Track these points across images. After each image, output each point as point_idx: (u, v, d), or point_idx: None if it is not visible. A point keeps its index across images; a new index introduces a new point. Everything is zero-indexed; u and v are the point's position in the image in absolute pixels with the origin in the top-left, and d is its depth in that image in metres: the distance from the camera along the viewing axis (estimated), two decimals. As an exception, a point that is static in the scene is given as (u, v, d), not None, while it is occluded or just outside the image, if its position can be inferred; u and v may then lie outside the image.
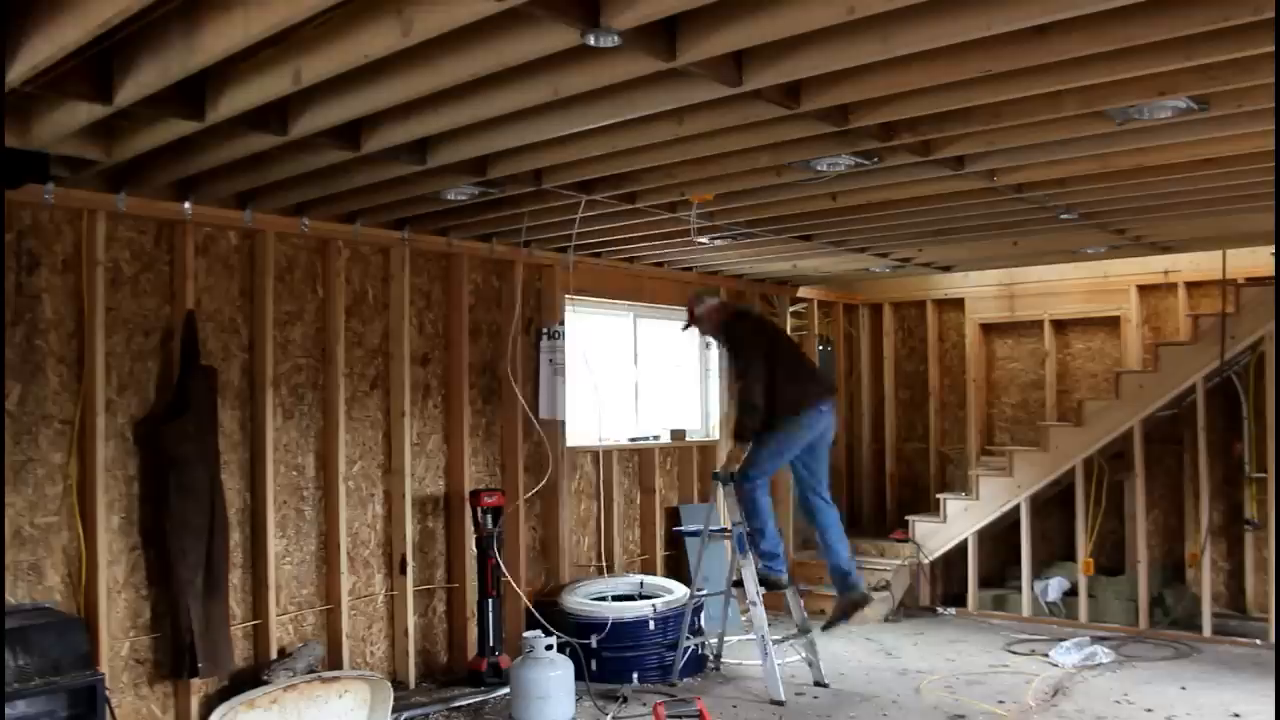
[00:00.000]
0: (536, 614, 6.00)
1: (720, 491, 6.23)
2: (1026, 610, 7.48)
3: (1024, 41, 2.93)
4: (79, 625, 4.18)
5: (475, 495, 5.90)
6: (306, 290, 5.43)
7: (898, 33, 2.81)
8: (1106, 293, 7.83)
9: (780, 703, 5.54)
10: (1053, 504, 7.76)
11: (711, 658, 6.25)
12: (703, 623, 6.34)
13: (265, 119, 3.55)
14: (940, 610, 7.84)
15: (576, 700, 5.27)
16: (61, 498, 4.45)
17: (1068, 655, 6.27)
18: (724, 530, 6.41)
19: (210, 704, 4.75)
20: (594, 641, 5.87)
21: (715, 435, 7.95)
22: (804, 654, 6.07)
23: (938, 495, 8.14)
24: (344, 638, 5.41)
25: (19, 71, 2.94)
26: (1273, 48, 2.82)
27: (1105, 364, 8.00)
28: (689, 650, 6.03)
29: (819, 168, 4.31)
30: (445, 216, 5.48)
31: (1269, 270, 6.42)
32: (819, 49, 2.96)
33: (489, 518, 5.89)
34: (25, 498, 4.34)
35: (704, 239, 6.05)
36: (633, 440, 7.31)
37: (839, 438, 8.98)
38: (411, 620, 5.76)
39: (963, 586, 7.80)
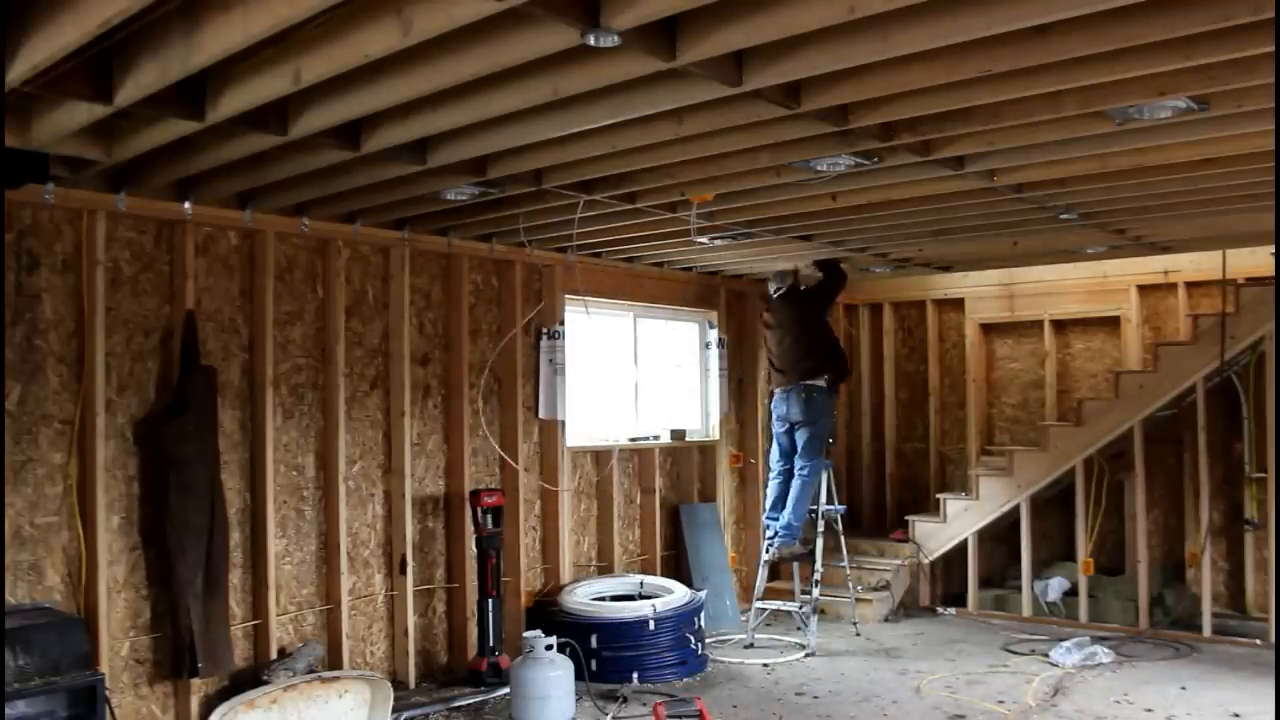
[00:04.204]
0: (540, 611, 6.01)
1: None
2: (1026, 610, 7.48)
3: (1024, 41, 2.93)
4: (79, 625, 4.18)
5: (475, 495, 5.90)
6: (306, 290, 5.43)
7: (897, 33, 2.81)
8: (1106, 293, 7.82)
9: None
10: (1053, 504, 7.76)
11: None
12: (703, 622, 6.35)
13: (265, 119, 3.55)
14: (940, 610, 7.84)
15: (576, 700, 5.26)
16: (61, 498, 4.45)
17: (1068, 655, 6.27)
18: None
19: (210, 704, 4.75)
20: (594, 641, 5.87)
21: (715, 435, 7.95)
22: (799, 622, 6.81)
23: (938, 495, 8.14)
24: (344, 638, 5.41)
25: (19, 71, 2.94)
26: (1273, 48, 2.82)
27: (1105, 364, 7.99)
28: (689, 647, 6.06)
29: (819, 168, 4.31)
30: (445, 216, 5.48)
31: (1269, 270, 6.42)
32: (819, 49, 2.97)
33: (489, 518, 5.89)
34: (25, 498, 4.34)
35: (704, 239, 6.05)
36: (633, 440, 7.31)
37: (839, 438, 9.03)
38: (411, 620, 5.76)
39: (963, 586, 7.79)
